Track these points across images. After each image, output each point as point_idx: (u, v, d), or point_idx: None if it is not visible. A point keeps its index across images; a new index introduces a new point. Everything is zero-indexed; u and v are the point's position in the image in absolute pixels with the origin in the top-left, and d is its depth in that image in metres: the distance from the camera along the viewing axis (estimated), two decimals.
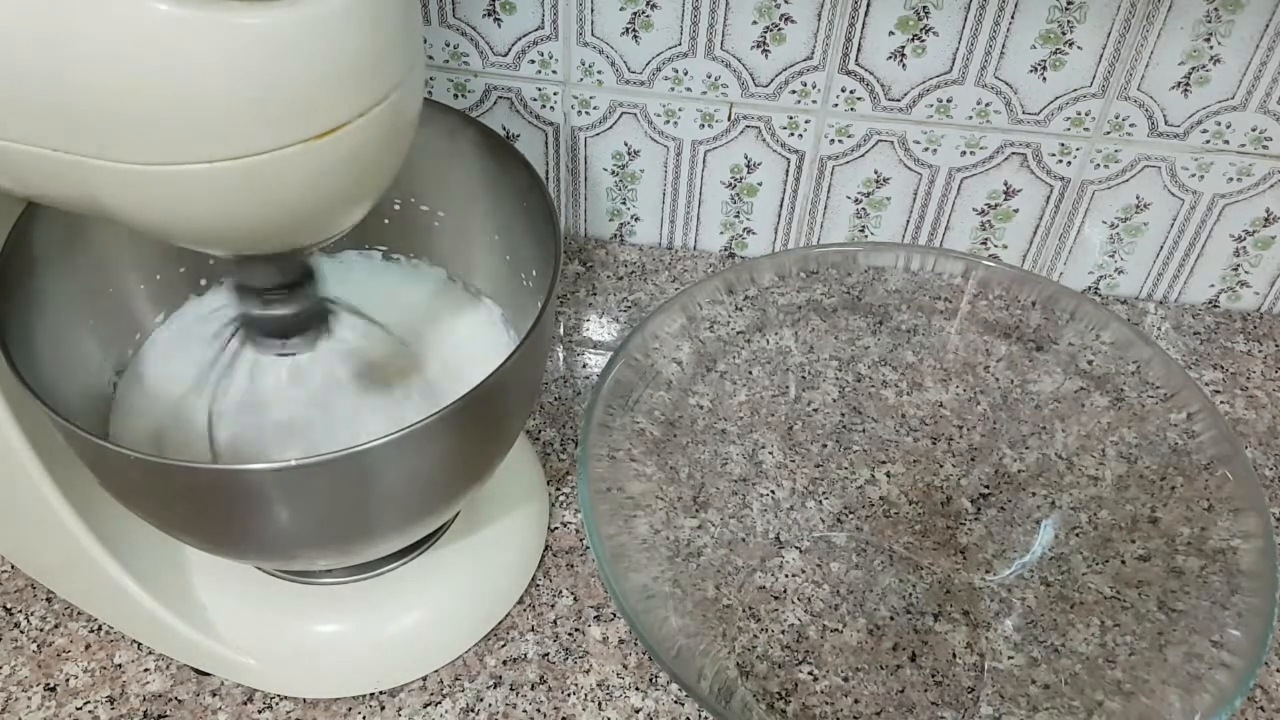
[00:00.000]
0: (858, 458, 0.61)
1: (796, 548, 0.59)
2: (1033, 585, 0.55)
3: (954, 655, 0.55)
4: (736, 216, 0.75)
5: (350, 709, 0.53)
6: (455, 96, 0.71)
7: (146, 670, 0.54)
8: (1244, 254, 0.72)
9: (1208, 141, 0.66)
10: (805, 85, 0.66)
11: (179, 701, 0.53)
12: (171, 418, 0.52)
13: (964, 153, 0.69)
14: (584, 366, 0.70)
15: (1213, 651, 0.45)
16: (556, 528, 0.60)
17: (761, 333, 0.60)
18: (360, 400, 0.51)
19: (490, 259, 0.56)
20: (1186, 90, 0.64)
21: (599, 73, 0.68)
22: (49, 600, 0.57)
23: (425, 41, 0.68)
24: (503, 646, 0.55)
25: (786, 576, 0.58)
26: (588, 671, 0.54)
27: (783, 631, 0.56)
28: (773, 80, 0.66)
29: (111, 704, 0.53)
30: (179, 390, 0.52)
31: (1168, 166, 0.68)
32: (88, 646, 0.55)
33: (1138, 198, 0.70)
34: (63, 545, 0.50)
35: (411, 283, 0.58)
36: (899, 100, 0.66)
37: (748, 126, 0.69)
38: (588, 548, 0.59)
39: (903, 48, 0.64)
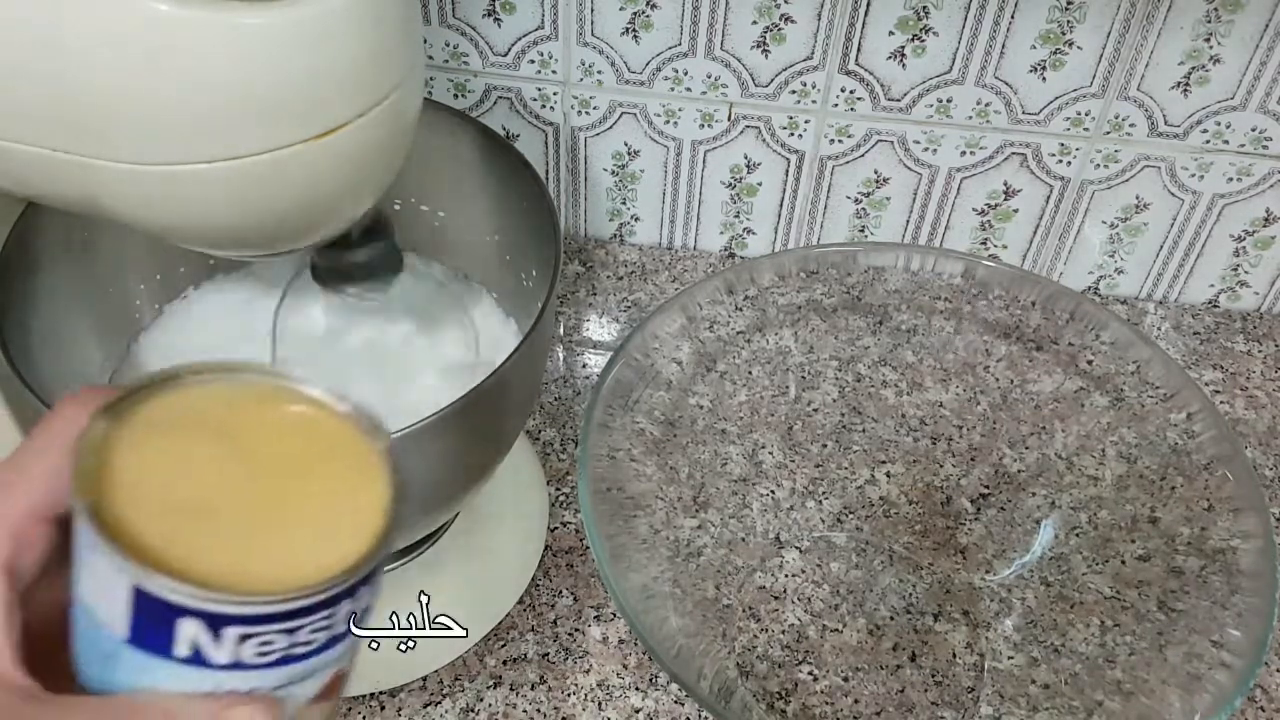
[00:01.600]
0: (858, 458, 0.61)
1: (796, 548, 0.59)
2: (1033, 585, 0.55)
3: (954, 655, 0.55)
4: (736, 216, 0.75)
5: (350, 709, 0.53)
6: (455, 96, 0.71)
7: None
8: (1244, 254, 0.72)
9: (1207, 141, 0.66)
10: (805, 85, 0.66)
11: None
12: None
13: (964, 153, 0.69)
14: (584, 366, 0.70)
15: (1213, 651, 0.45)
16: (556, 528, 0.60)
17: (761, 333, 0.60)
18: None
19: (490, 259, 0.56)
20: (1186, 90, 0.64)
21: (599, 73, 0.68)
22: None
23: (425, 41, 0.68)
24: (503, 646, 0.55)
25: (786, 576, 0.58)
26: (588, 671, 0.54)
27: (783, 631, 0.56)
28: (773, 80, 0.66)
29: None
30: None
31: (1167, 166, 0.68)
32: None
33: (1137, 198, 0.70)
34: None
35: (413, 281, 0.58)
36: (899, 100, 0.66)
37: (747, 126, 0.69)
38: (588, 548, 0.59)
39: (902, 48, 0.64)
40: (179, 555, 0.23)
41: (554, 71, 0.68)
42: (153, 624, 0.23)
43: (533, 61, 0.68)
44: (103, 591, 0.24)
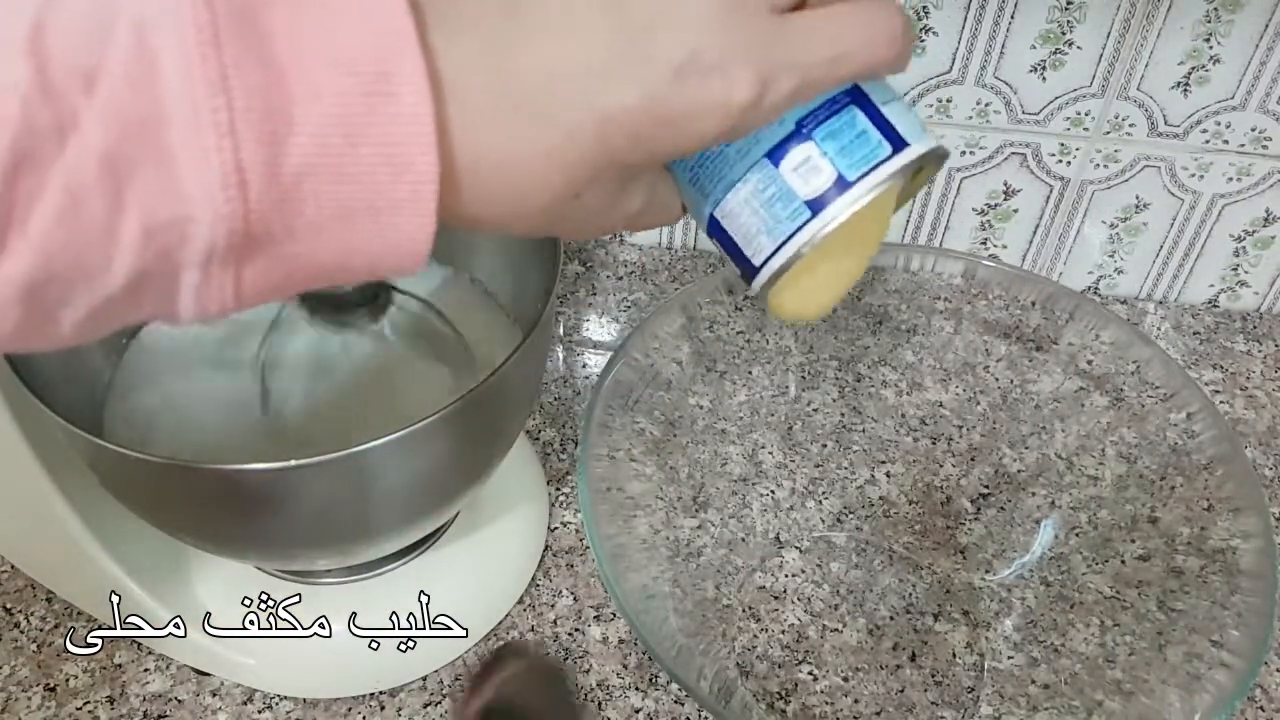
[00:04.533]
0: (857, 458, 0.61)
1: (796, 548, 0.59)
2: (1032, 585, 0.55)
3: (954, 655, 0.55)
4: None
5: (350, 709, 0.53)
6: None
7: (146, 670, 0.54)
8: (1243, 254, 0.72)
9: (1207, 141, 0.66)
10: None
11: (179, 701, 0.53)
12: (165, 409, 0.51)
13: (964, 153, 0.68)
14: (584, 366, 0.70)
15: (1212, 651, 0.45)
16: (556, 528, 0.60)
17: (761, 333, 0.60)
18: (406, 381, 0.52)
19: (490, 258, 0.56)
20: (1186, 90, 0.64)
21: None
22: (49, 600, 0.56)
23: None
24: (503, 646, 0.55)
25: (786, 576, 0.58)
26: (588, 671, 0.54)
27: (783, 631, 0.56)
28: None
29: (111, 704, 0.53)
30: (172, 380, 0.52)
31: (1167, 166, 0.68)
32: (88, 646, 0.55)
33: (1137, 198, 0.70)
34: (63, 545, 0.50)
35: (415, 280, 0.58)
36: None
37: None
38: (588, 548, 0.59)
39: None
40: None
41: None
42: None
43: None
44: None
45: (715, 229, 0.32)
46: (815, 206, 0.30)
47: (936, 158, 0.32)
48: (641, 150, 0.26)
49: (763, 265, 0.31)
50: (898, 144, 0.30)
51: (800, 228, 0.30)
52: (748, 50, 0.26)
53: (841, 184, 0.30)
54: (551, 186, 0.26)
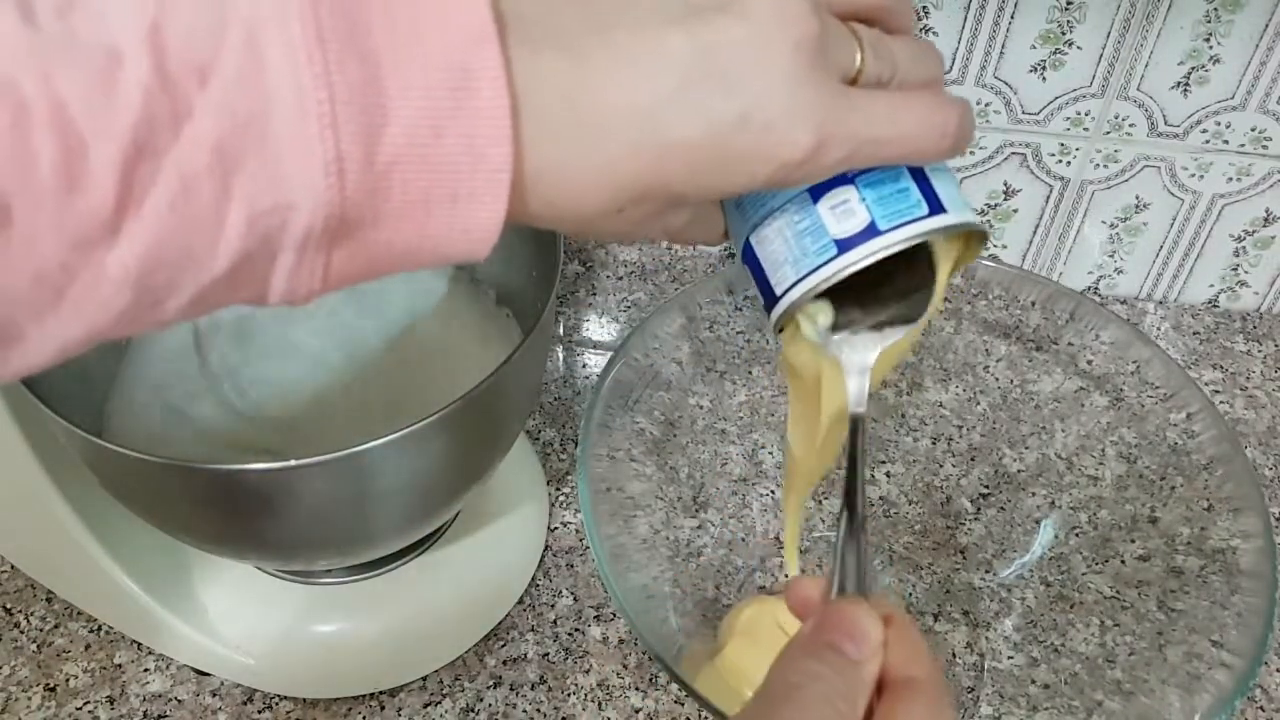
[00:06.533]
0: None
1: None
2: (1032, 585, 0.55)
3: (954, 655, 0.55)
4: None
5: (350, 709, 0.53)
6: None
7: (146, 670, 0.54)
8: (1243, 254, 0.72)
9: (1207, 141, 0.66)
10: None
11: (179, 701, 0.53)
12: (165, 411, 0.51)
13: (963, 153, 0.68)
14: (584, 366, 0.70)
15: (1212, 651, 0.45)
16: (556, 528, 0.60)
17: (761, 333, 0.60)
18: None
19: (491, 258, 0.56)
20: (1186, 90, 0.64)
21: None
22: (49, 600, 0.57)
23: None
24: (503, 646, 0.55)
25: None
26: (588, 671, 0.54)
27: None
28: None
29: (111, 704, 0.53)
30: (170, 383, 0.52)
31: (1167, 166, 0.68)
32: (88, 646, 0.55)
33: (1137, 198, 0.70)
34: (63, 545, 0.50)
35: (417, 279, 0.58)
36: None
37: None
38: (588, 548, 0.59)
39: None
40: None
41: None
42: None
43: None
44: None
45: (748, 254, 0.34)
46: (843, 246, 0.31)
47: (979, 236, 0.33)
48: (695, 184, 0.28)
49: (783, 295, 0.33)
50: (935, 208, 0.32)
51: (824, 263, 0.32)
52: (812, 114, 0.27)
53: (872, 230, 0.31)
54: (600, 201, 0.28)
